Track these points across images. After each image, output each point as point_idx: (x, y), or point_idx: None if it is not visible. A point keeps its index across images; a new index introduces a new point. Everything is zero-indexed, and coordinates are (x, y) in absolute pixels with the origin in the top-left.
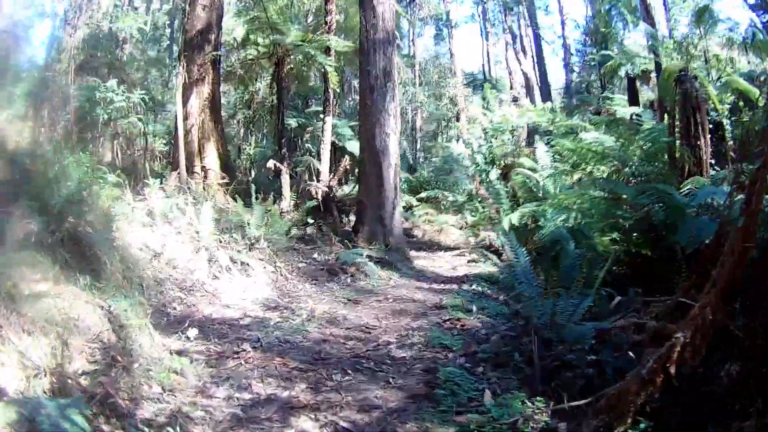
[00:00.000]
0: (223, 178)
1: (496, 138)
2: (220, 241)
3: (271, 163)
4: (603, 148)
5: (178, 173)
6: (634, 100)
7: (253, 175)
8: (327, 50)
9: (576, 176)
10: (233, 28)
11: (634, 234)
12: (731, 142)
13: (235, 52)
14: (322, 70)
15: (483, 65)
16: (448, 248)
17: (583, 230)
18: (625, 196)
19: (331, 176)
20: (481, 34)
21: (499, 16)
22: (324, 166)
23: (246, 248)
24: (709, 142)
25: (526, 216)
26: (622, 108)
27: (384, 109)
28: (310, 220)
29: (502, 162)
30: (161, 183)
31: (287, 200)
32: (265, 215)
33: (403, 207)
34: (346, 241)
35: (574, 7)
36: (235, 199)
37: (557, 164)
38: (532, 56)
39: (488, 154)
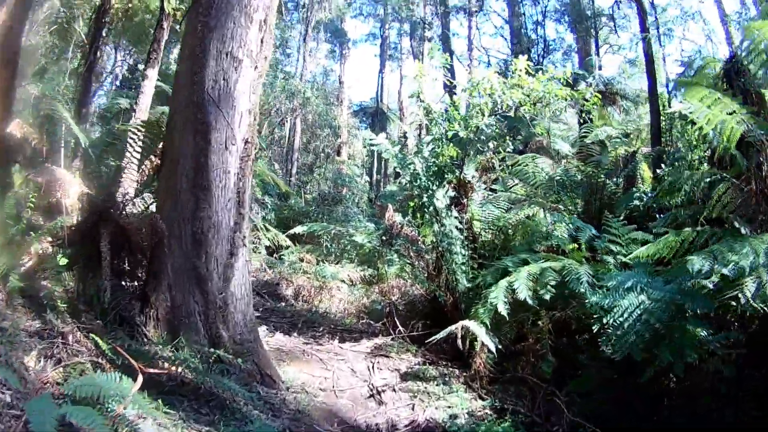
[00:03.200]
0: None
1: (460, 129)
2: None
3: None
4: None
5: None
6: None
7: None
8: None
9: (524, 213)
10: None
11: None
12: None
13: None
14: None
15: (378, 93)
16: (341, 329)
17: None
18: None
19: (139, 172)
20: (381, 57)
21: (400, 40)
22: (130, 154)
23: None
24: None
25: (543, 282)
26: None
27: (239, 5)
28: (65, 261)
29: (455, 176)
30: None
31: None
32: None
33: (267, 248)
34: (118, 326)
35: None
36: None
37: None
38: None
39: (434, 160)
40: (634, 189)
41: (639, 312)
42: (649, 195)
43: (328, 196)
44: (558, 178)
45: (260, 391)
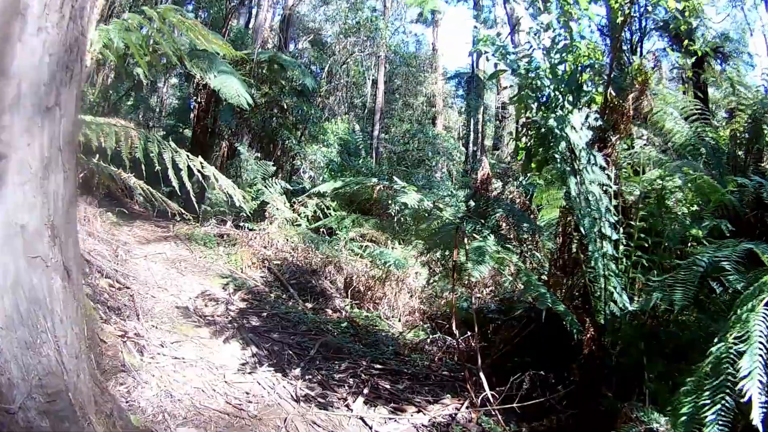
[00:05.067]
0: None
1: None
2: None
3: None
4: None
5: None
6: None
7: None
8: None
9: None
10: None
11: None
12: None
13: None
14: None
15: (473, 59)
16: (382, 368)
17: None
18: None
19: None
20: (476, 20)
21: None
22: None
23: None
24: None
25: None
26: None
27: None
28: None
29: (600, 93)
30: None
31: None
32: None
33: (313, 221)
34: None
35: None
36: None
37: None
38: None
39: (563, 56)
40: None
41: None
42: None
43: (406, 155)
44: (693, 141)
45: None
